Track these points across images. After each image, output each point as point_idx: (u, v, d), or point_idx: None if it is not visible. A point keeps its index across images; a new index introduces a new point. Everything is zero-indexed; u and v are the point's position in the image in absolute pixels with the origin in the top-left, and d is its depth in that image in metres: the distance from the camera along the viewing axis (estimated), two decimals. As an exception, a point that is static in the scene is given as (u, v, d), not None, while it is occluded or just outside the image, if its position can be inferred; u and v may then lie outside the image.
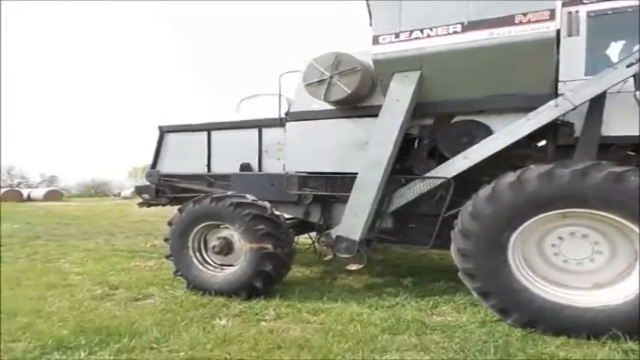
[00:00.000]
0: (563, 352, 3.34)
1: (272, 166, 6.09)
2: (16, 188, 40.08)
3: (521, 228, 3.67)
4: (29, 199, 34.16)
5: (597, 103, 4.13)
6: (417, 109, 4.73)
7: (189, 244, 5.23)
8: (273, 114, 5.93)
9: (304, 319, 4.32)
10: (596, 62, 4.23)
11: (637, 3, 4.16)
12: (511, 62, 4.08)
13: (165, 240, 5.45)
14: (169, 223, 5.39)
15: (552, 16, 3.80)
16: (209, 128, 6.62)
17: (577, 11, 4.37)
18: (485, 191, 3.83)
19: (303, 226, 6.26)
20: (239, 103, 6.47)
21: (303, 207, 5.79)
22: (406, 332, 3.86)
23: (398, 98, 4.52)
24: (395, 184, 4.83)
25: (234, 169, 6.31)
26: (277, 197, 5.73)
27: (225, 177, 6.33)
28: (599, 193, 3.34)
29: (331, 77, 4.73)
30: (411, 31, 4.30)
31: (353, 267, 4.85)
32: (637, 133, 4.04)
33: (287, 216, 6.18)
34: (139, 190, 7.11)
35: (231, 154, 6.40)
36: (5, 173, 55.20)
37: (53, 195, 35.77)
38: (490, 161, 4.42)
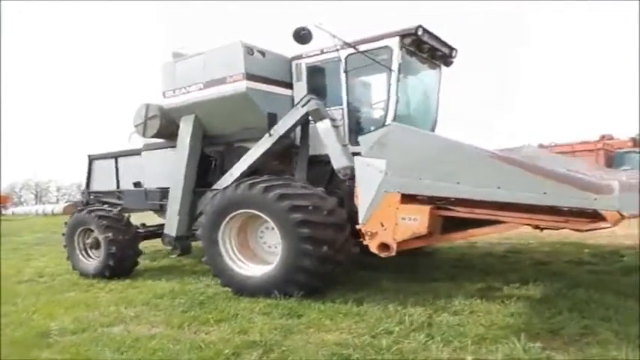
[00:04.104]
0: (241, 304, 4.97)
1: None
2: (74, 202, 45.84)
3: (221, 228, 5.32)
4: (84, 212, 39.10)
5: (304, 131, 5.73)
6: (211, 139, 6.54)
7: (75, 244, 7.41)
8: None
9: (126, 292, 6.20)
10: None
11: (331, 56, 5.71)
12: (233, 108, 5.79)
13: (64, 246, 7.65)
14: (63, 234, 7.58)
15: (245, 76, 5.47)
16: (116, 155, 8.80)
17: (300, 63, 5.99)
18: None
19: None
20: (130, 134, 8.57)
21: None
22: (181, 297, 5.52)
23: (184, 135, 6.38)
24: (199, 194, 6.64)
25: (132, 186, 8.41)
26: (149, 207, 7.77)
27: (123, 192, 8.45)
28: (243, 198, 4.98)
29: (145, 121, 6.66)
30: (180, 88, 6.14)
31: (173, 255, 6.71)
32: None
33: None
34: (74, 205, 9.45)
35: (129, 175, 8.51)
36: (75, 188, 63.65)
37: (104, 208, 40.59)
38: (263, 172, 6.01)
